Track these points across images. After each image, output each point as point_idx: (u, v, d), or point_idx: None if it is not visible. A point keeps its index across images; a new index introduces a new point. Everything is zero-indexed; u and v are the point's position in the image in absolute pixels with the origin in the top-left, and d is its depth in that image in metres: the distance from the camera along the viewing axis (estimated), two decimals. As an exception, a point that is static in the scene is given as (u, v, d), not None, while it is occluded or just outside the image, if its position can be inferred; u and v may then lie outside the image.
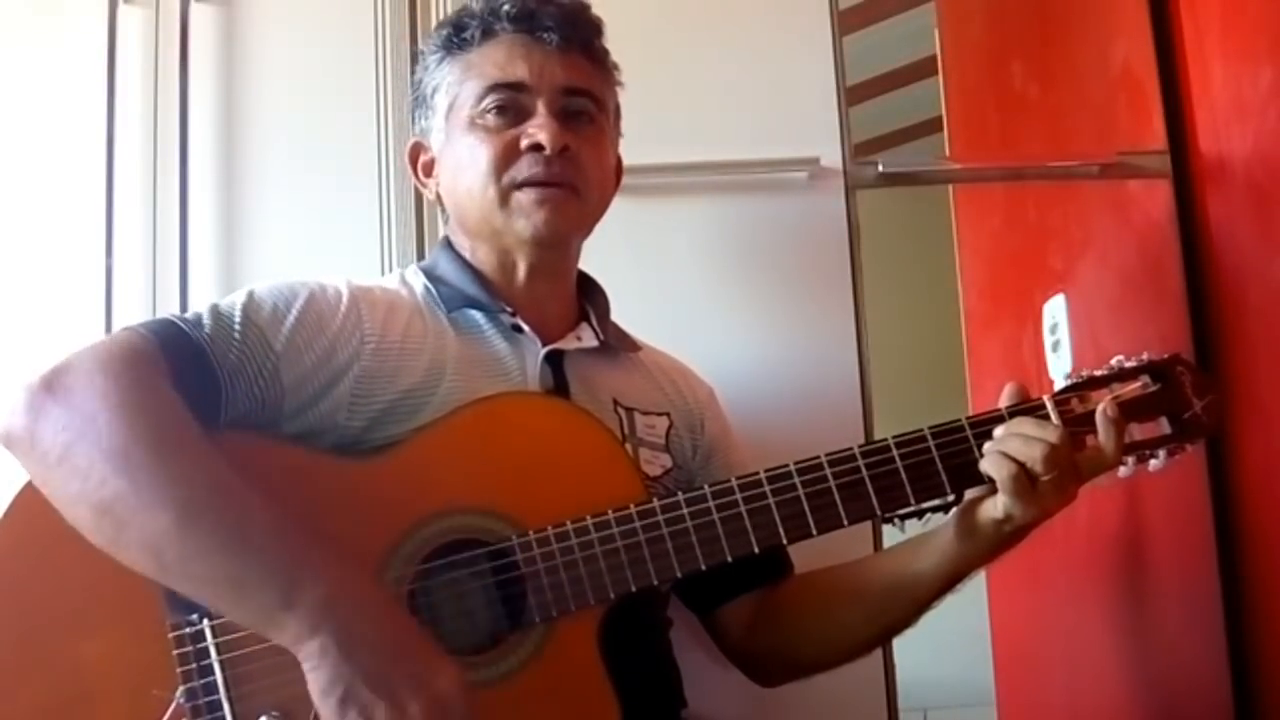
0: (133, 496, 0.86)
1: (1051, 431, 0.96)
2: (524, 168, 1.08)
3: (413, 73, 1.47)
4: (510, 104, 1.09)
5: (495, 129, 1.09)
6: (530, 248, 1.11)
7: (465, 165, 1.10)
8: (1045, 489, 0.96)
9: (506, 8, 1.11)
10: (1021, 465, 0.95)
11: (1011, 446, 0.96)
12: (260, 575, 0.85)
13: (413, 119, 1.20)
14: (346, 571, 0.88)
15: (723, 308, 1.45)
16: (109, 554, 0.87)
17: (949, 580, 1.06)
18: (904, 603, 1.09)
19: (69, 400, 0.89)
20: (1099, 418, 0.98)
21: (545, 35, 1.10)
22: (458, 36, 1.13)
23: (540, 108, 1.09)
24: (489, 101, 1.10)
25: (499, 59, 1.10)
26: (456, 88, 1.12)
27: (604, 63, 1.16)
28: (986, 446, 0.98)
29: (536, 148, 1.07)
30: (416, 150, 1.19)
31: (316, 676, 0.84)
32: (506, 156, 1.08)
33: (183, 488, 0.87)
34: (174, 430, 0.89)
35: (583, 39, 1.13)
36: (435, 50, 1.16)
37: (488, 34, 1.12)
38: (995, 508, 0.98)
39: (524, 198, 1.08)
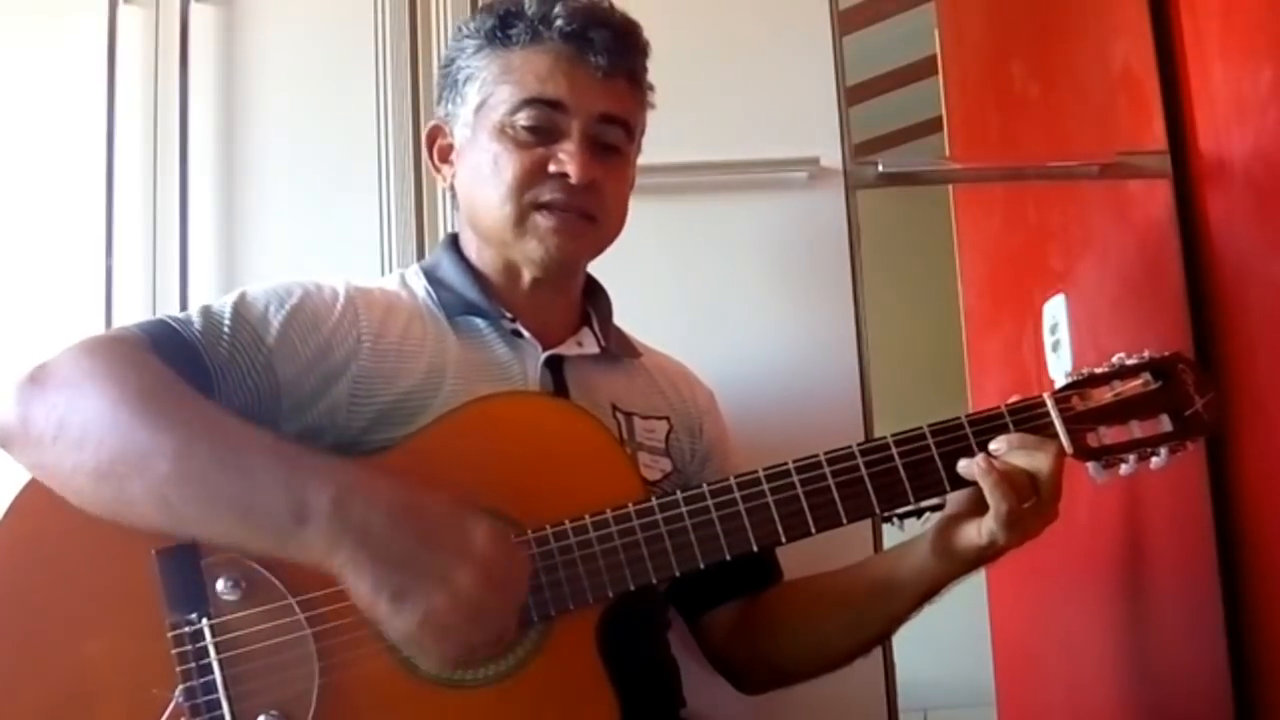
0: (128, 452, 0.86)
1: (1043, 460, 0.95)
2: (546, 191, 1.06)
3: (415, 55, 1.48)
4: (544, 122, 1.06)
5: (524, 144, 1.06)
6: (538, 269, 1.10)
7: (487, 174, 1.08)
8: (1029, 514, 0.96)
9: (560, 23, 1.07)
10: (1019, 498, 0.95)
11: (1015, 479, 0.95)
12: (266, 495, 0.85)
13: (438, 97, 1.16)
14: (346, 466, 0.88)
15: (722, 307, 1.45)
16: (118, 520, 0.87)
17: (925, 595, 1.06)
18: (882, 614, 1.10)
19: (55, 384, 0.89)
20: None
21: (593, 59, 1.07)
22: (502, 31, 1.09)
23: (574, 131, 1.06)
24: (523, 116, 1.06)
25: (541, 70, 1.07)
26: (492, 86, 1.09)
27: (643, 85, 1.14)
28: (980, 466, 0.96)
29: (563, 176, 1.06)
30: (435, 133, 1.17)
31: (357, 587, 0.84)
32: (531, 176, 1.06)
33: (173, 431, 0.87)
34: (157, 382, 0.90)
35: (629, 67, 1.10)
36: (474, 36, 1.11)
37: (535, 39, 1.08)
38: (980, 534, 0.98)
39: (542, 221, 1.07)
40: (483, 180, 1.09)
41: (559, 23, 1.07)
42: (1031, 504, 0.95)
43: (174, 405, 0.89)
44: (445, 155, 1.16)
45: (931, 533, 1.03)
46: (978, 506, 0.98)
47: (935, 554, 1.02)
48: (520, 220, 1.07)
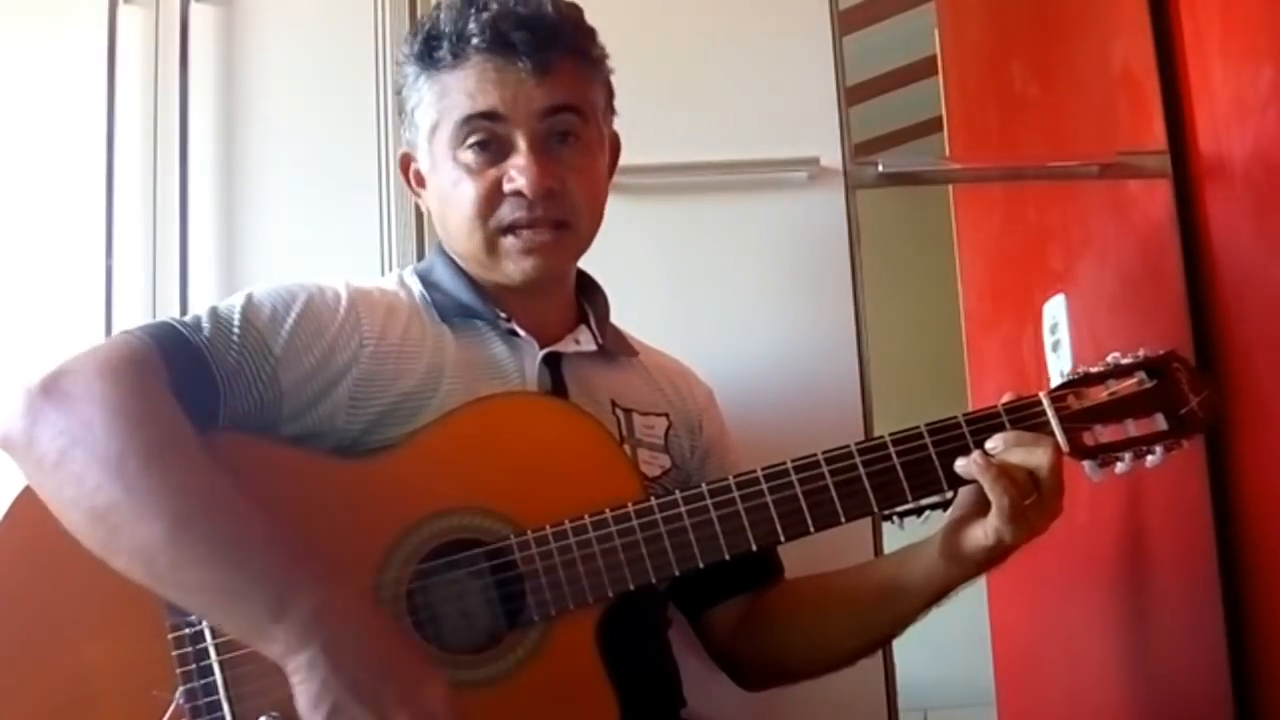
0: (126, 504, 0.86)
1: (1041, 455, 0.96)
2: (508, 212, 1.05)
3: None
4: (489, 137, 1.04)
5: (476, 168, 1.05)
6: (520, 286, 1.09)
7: (451, 200, 1.07)
8: (1033, 510, 0.96)
9: (475, 40, 1.03)
10: (1020, 492, 0.95)
11: (1014, 474, 0.95)
12: (250, 586, 0.86)
13: (402, 124, 1.15)
14: (336, 585, 0.88)
15: (723, 308, 1.45)
16: (102, 560, 0.87)
17: (934, 598, 1.06)
18: (889, 615, 1.10)
19: (66, 405, 0.89)
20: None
21: (520, 63, 1.03)
22: (430, 55, 1.07)
23: (520, 142, 1.04)
24: (467, 138, 1.05)
25: (470, 86, 1.04)
26: (435, 111, 1.07)
27: (586, 59, 1.09)
28: (978, 464, 0.96)
29: (519, 193, 1.04)
30: (405, 160, 1.16)
31: (305, 689, 0.85)
32: (490, 200, 1.05)
33: (176, 497, 0.87)
34: (169, 438, 0.90)
35: (559, 54, 1.05)
36: (410, 61, 1.09)
37: (458, 57, 1.05)
38: (986, 535, 0.97)
39: (511, 244, 1.06)
40: (449, 206, 1.08)
41: (475, 40, 1.04)
42: (1033, 500, 0.95)
43: (182, 468, 0.89)
44: (421, 180, 1.15)
45: (939, 537, 1.03)
46: (982, 507, 0.98)
47: (944, 557, 1.02)
48: (491, 246, 1.07)
